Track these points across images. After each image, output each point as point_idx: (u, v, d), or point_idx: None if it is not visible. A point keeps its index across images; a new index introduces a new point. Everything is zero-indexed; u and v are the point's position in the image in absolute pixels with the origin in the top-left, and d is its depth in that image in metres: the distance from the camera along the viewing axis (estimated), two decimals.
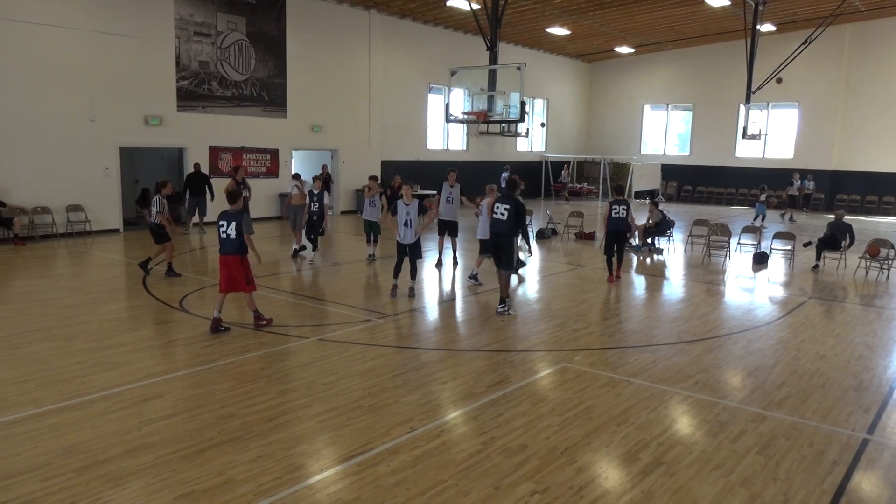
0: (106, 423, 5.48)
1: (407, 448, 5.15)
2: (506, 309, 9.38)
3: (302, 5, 20.03)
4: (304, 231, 13.77)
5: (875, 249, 13.26)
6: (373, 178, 13.61)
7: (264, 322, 8.44)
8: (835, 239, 13.81)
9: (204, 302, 9.75)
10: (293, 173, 16.33)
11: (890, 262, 13.26)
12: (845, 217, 14.28)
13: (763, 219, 21.02)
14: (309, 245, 13.68)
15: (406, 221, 10.10)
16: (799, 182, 25.41)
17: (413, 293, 10.35)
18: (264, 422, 5.56)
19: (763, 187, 22.61)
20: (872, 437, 5.65)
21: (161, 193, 11.26)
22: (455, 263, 13.06)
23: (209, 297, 10.11)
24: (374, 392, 6.30)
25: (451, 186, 12.56)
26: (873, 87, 26.30)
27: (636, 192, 29.31)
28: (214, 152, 18.52)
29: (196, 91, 17.87)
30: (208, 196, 17.13)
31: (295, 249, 13.86)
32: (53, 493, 4.36)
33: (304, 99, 20.42)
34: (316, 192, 13.35)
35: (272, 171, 20.01)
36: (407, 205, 10.11)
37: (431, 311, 9.79)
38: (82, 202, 15.92)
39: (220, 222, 8.09)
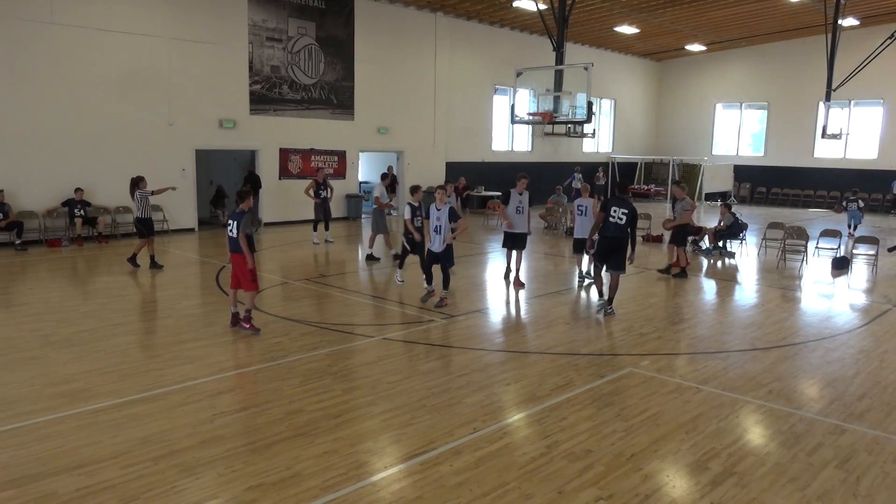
0: (181, 414, 5.70)
1: (470, 449, 5.15)
2: (612, 310, 9.42)
3: (370, 9, 20.34)
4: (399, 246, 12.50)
5: None
6: (441, 187, 12.69)
7: (248, 327, 8.10)
8: None
9: (273, 301, 10.02)
10: (382, 173, 15.36)
11: None
12: None
13: (855, 227, 18.75)
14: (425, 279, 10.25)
15: (437, 227, 9.55)
16: None
17: (444, 303, 9.68)
18: (330, 418, 5.67)
19: (855, 190, 20.26)
20: None
21: (139, 187, 11.91)
22: (519, 285, 11.21)
23: (278, 295, 10.39)
24: (438, 392, 6.33)
25: (521, 194, 11.07)
26: None
27: (707, 194, 28.47)
28: (284, 154, 19.01)
29: (268, 95, 18.39)
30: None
31: (369, 254, 13.52)
32: (132, 479, 4.56)
33: (370, 101, 20.73)
34: (415, 204, 10.61)
35: (339, 173, 20.39)
36: (438, 209, 9.60)
37: (495, 312, 9.77)
38: (160, 202, 16.59)
39: (229, 221, 8.09)
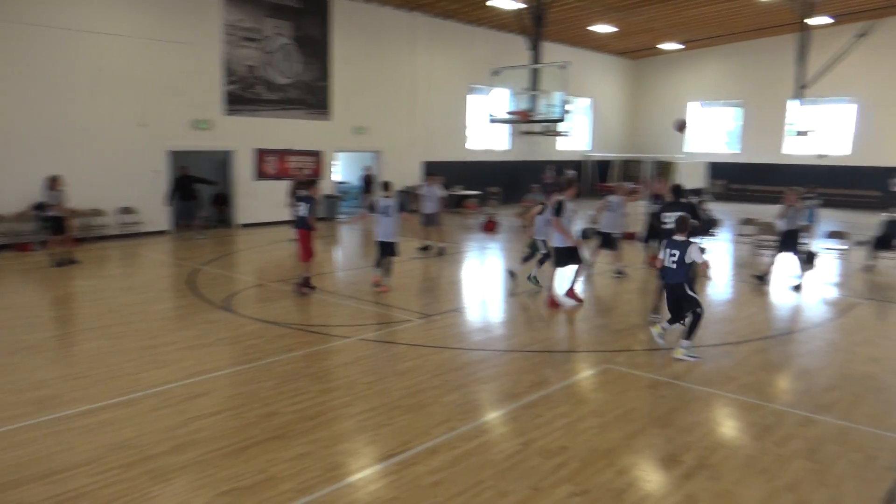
0: (154, 419, 5.65)
1: (446, 448, 5.17)
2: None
3: (347, 8, 20.25)
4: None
5: None
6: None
7: (306, 291, 10.11)
8: (889, 238, 13.31)
9: (248, 302, 9.96)
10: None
11: None
12: None
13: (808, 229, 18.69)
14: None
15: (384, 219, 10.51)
16: None
17: (379, 285, 10.47)
18: (306, 420, 5.65)
19: (811, 188, 20.07)
20: None
21: (54, 188, 12.27)
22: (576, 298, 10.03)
23: (253, 297, 10.33)
24: (414, 392, 6.34)
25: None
26: None
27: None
28: (261, 155, 18.88)
29: (243, 95, 18.24)
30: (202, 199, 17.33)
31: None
32: (103, 487, 4.52)
33: (347, 101, 20.64)
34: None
35: (316, 173, 20.28)
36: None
37: (473, 311, 9.79)
38: (133, 204, 16.40)
39: (299, 203, 10.32)
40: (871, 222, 19.02)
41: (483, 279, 12.49)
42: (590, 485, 4.66)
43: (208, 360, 7.25)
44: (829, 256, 14.20)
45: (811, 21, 23.27)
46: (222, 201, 19.10)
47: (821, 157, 27.73)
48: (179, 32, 16.71)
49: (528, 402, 6.12)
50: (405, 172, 22.16)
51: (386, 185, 11.20)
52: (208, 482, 4.60)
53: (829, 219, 21.48)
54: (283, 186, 15.69)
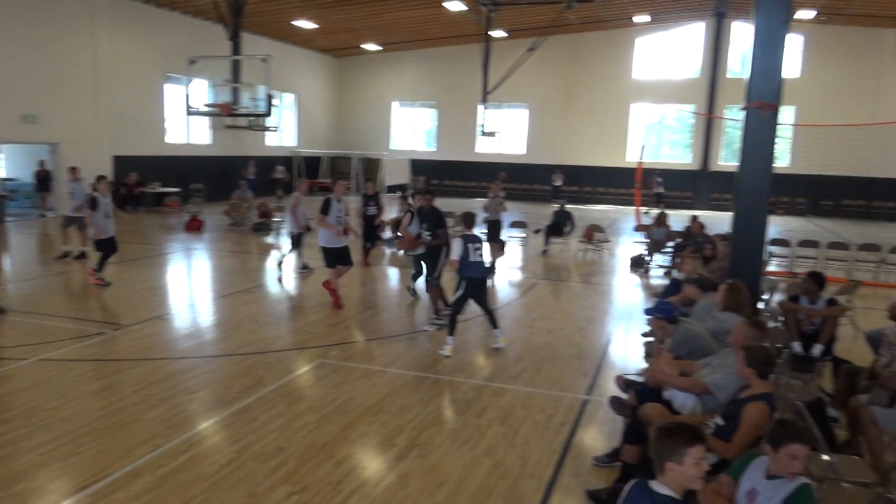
0: None
1: (151, 468, 4.76)
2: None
3: None
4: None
5: (590, 234, 15.29)
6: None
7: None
8: (559, 226, 15.55)
9: None
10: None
11: (602, 244, 15.31)
12: (566, 206, 16.16)
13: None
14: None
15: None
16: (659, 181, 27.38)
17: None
18: None
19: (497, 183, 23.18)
20: (591, 397, 6.48)
21: None
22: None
23: None
24: (110, 412, 5.71)
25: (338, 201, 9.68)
26: (586, 92, 30.16)
27: (388, 187, 30.20)
28: None
29: None
30: None
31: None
32: None
33: (11, 84, 17.68)
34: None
35: None
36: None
37: (177, 318, 9.12)
38: None
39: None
40: (545, 212, 22.02)
41: (189, 282, 11.73)
42: (308, 481, 4.67)
43: None
44: (513, 243, 16.10)
45: (493, 33, 26.05)
46: None
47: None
48: None
49: (241, 407, 5.91)
50: (92, 167, 19.58)
51: (99, 179, 10.79)
52: None
53: (512, 210, 24.35)
54: None
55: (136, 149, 21.74)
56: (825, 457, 4.23)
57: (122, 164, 20.83)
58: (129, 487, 4.50)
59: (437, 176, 32.36)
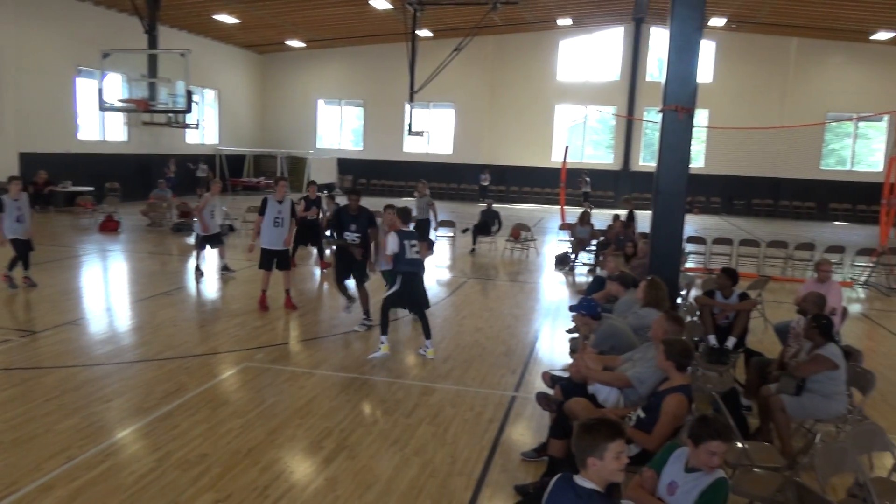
0: None
1: (64, 481, 4.53)
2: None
3: None
4: None
5: (516, 233, 15.54)
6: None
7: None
8: (486, 225, 15.73)
9: None
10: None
11: (528, 243, 15.59)
12: (493, 205, 16.37)
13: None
14: None
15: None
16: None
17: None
18: None
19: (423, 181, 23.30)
20: (518, 393, 6.58)
21: None
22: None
23: None
24: (19, 423, 5.40)
25: (280, 202, 9.46)
26: (511, 93, 30.59)
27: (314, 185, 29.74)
28: None
29: None
30: None
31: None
32: None
33: None
34: None
35: None
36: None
37: (93, 322, 8.71)
38: None
39: None
40: (472, 212, 22.21)
41: (105, 285, 11.22)
42: (233, 488, 4.55)
43: None
44: (442, 243, 16.17)
45: (419, 32, 26.05)
46: None
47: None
48: None
49: (162, 414, 5.70)
50: None
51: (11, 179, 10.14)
52: None
53: (440, 210, 24.42)
54: None
55: (46, 146, 20.61)
56: (738, 444, 4.44)
57: (31, 161, 19.70)
58: (40, 502, 4.27)
59: (364, 175, 32.15)
